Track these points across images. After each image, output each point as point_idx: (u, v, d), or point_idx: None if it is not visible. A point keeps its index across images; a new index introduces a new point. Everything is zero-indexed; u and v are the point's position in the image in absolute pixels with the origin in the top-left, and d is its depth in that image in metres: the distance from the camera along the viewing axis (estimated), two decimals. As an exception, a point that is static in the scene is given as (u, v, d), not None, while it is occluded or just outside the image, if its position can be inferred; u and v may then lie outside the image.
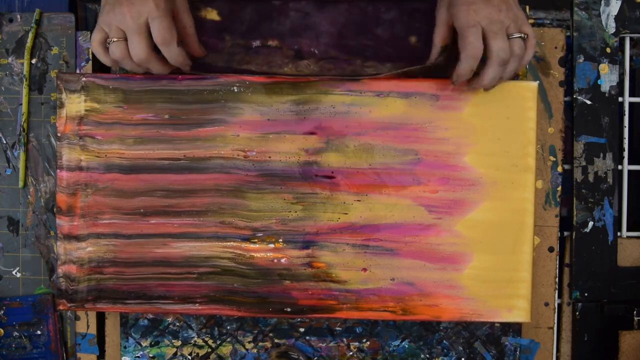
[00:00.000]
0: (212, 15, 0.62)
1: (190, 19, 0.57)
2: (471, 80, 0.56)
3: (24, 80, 0.63)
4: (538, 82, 0.60)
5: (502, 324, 0.63)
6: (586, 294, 0.64)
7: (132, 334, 0.63)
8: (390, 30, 0.62)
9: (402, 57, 0.62)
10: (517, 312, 0.60)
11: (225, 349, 0.63)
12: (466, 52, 0.53)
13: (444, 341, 0.63)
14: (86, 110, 0.60)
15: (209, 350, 0.63)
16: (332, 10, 0.62)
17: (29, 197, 0.64)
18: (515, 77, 0.62)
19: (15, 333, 0.64)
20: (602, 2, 0.63)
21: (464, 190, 0.60)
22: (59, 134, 0.60)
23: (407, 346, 0.63)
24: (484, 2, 0.52)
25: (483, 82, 0.55)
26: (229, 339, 0.63)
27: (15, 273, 0.64)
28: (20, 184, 0.64)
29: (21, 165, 0.64)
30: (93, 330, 0.64)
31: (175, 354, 0.63)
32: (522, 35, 0.54)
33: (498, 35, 0.52)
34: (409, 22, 0.61)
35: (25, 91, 0.63)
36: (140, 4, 0.52)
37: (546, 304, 0.63)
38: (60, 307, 0.60)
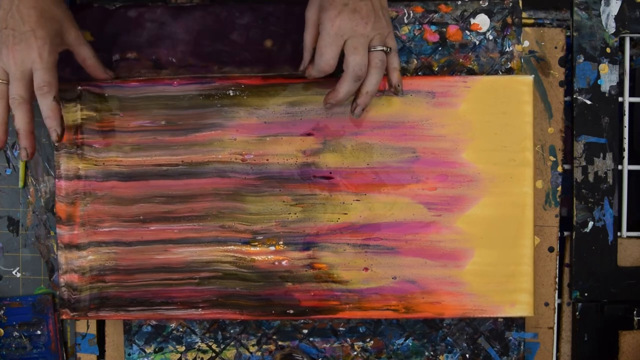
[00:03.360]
0: (87, 37, 0.62)
1: (87, 50, 0.56)
2: (327, 95, 0.55)
3: None
4: (533, 76, 0.60)
5: (505, 318, 0.63)
6: (586, 294, 0.64)
7: (136, 341, 0.63)
8: (245, 34, 0.62)
9: (258, 60, 0.62)
10: (520, 306, 0.60)
11: (230, 353, 0.63)
12: (318, 65, 0.53)
13: (448, 338, 0.63)
14: (83, 119, 0.60)
15: (213, 354, 0.63)
16: (187, 18, 0.62)
17: (29, 197, 0.64)
18: (511, 71, 0.62)
19: (15, 333, 0.64)
20: (602, 2, 0.63)
21: (463, 186, 0.60)
22: (56, 144, 0.60)
23: (411, 344, 0.63)
24: (351, 13, 0.51)
25: (338, 96, 0.54)
26: (232, 343, 0.63)
27: (15, 273, 0.65)
28: (20, 184, 0.64)
29: (21, 165, 0.64)
30: (93, 330, 0.64)
31: (179, 359, 0.63)
32: (385, 48, 0.53)
33: (358, 50, 0.51)
34: (263, 26, 0.62)
35: None
36: (24, 51, 0.51)
37: (546, 304, 0.63)
38: (64, 317, 0.60)
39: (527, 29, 0.63)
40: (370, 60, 0.53)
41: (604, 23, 0.63)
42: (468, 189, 0.60)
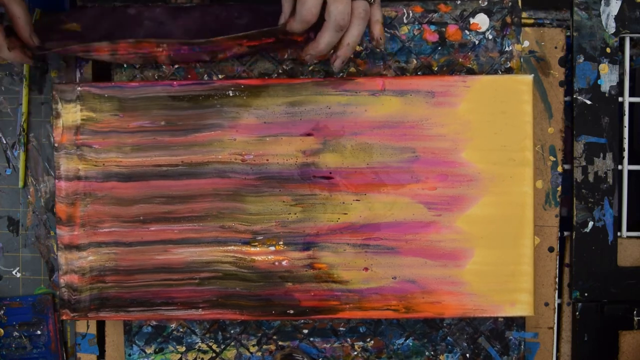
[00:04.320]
0: (74, 27, 0.62)
1: (20, 9, 0.55)
2: (307, 46, 0.53)
3: (24, 80, 0.63)
4: (532, 75, 0.60)
5: (505, 318, 0.63)
6: (586, 294, 0.64)
7: (136, 341, 0.63)
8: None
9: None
10: (520, 305, 0.60)
11: (230, 353, 0.63)
12: (300, 13, 0.51)
13: (448, 338, 0.63)
14: (82, 120, 0.60)
15: (214, 355, 0.63)
16: (186, 18, 0.61)
17: (29, 197, 0.64)
18: (510, 71, 0.62)
19: (15, 333, 0.64)
20: (602, 2, 0.63)
21: (463, 186, 0.60)
22: (56, 144, 0.60)
23: (411, 344, 0.63)
24: None
25: (319, 46, 0.52)
26: (233, 343, 0.63)
27: (15, 273, 0.65)
28: (20, 183, 0.64)
29: (21, 165, 0.64)
30: (93, 330, 0.64)
31: (180, 359, 0.63)
32: None
33: None
34: (262, 27, 0.61)
35: (25, 91, 0.63)
36: None
37: (546, 304, 0.63)
38: (64, 317, 0.60)
39: (527, 29, 0.63)
40: (354, 10, 0.51)
41: (604, 23, 0.63)
42: (468, 188, 0.60)
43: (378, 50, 0.56)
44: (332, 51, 0.54)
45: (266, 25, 0.61)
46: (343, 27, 0.51)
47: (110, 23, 0.62)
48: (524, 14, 0.63)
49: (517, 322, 0.63)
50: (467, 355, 0.63)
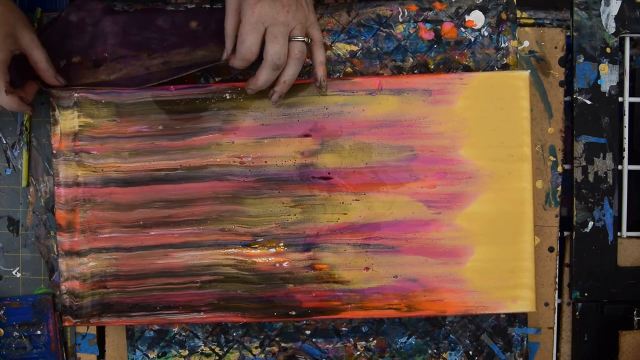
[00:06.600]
0: None
1: (40, 53, 0.57)
2: (248, 80, 0.56)
3: None
4: (529, 70, 0.60)
5: (507, 314, 0.63)
6: (586, 294, 0.64)
7: (139, 346, 0.63)
8: (171, 19, 0.62)
9: (185, 42, 0.62)
10: (522, 302, 0.60)
11: (233, 356, 0.63)
12: (240, 52, 0.53)
13: (451, 335, 0.63)
14: (80, 126, 0.60)
15: (217, 357, 0.63)
16: (116, 11, 0.62)
17: (29, 197, 0.64)
18: (507, 67, 0.62)
19: (15, 333, 0.64)
20: (602, 2, 0.63)
21: (462, 183, 0.60)
22: (54, 151, 0.60)
23: (414, 342, 0.63)
24: (272, 0, 0.52)
25: (257, 82, 0.55)
26: (235, 346, 0.63)
27: (15, 273, 0.65)
28: (23, 182, 0.64)
29: (24, 163, 0.64)
30: (93, 330, 0.64)
31: (183, 363, 0.63)
32: (306, 39, 0.54)
33: (277, 39, 0.52)
34: (187, 9, 0.62)
35: None
36: None
37: (546, 304, 0.63)
38: (66, 324, 0.60)
39: (527, 29, 0.63)
40: (290, 51, 0.53)
41: (604, 23, 0.63)
42: (467, 185, 0.60)
43: (321, 90, 0.58)
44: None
45: (190, 8, 0.62)
46: (279, 66, 0.54)
47: (57, 37, 0.61)
48: (524, 14, 0.63)
49: (520, 318, 0.63)
50: (470, 352, 0.63)
